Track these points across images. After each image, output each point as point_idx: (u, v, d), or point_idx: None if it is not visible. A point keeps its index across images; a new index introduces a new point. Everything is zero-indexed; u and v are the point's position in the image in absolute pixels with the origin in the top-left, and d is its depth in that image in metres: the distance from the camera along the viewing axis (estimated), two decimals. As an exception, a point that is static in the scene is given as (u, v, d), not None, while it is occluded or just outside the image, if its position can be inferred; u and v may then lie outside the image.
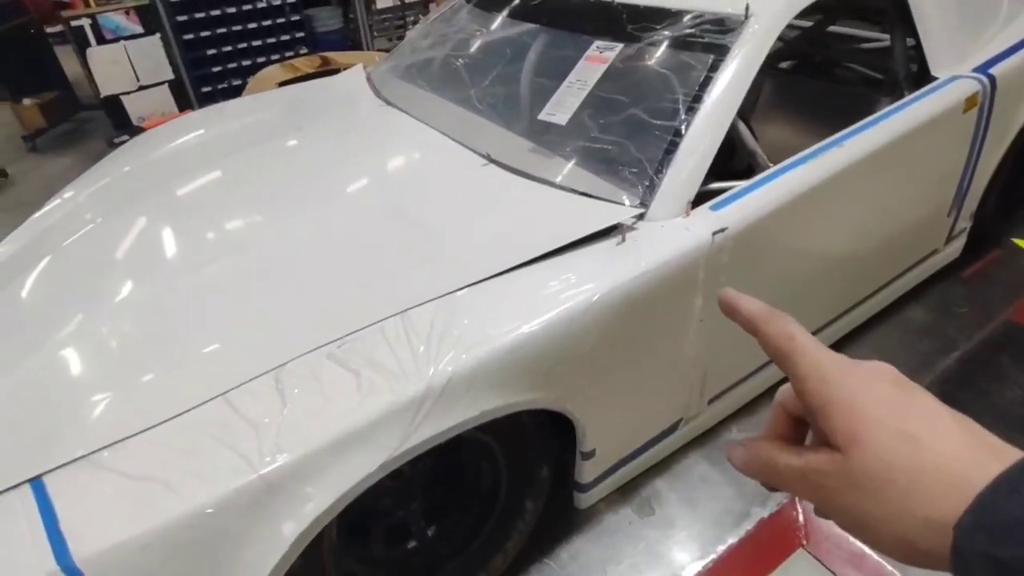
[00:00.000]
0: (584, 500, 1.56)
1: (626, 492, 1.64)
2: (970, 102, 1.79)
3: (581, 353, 1.23)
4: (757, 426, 1.81)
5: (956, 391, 1.84)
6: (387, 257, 1.39)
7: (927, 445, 0.31)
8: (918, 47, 1.87)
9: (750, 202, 1.44)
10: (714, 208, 1.42)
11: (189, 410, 1.08)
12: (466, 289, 1.23)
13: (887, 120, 1.67)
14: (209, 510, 0.95)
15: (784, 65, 2.76)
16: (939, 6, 1.85)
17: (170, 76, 4.42)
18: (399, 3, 4.89)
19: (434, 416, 1.07)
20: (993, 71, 1.85)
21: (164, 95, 4.45)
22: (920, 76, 1.87)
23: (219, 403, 1.11)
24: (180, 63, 4.44)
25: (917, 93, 1.77)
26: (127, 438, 1.05)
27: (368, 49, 4.90)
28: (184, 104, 4.52)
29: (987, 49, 1.93)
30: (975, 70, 1.85)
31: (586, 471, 1.49)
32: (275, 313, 1.29)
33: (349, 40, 5.11)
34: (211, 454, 1.02)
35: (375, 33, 4.91)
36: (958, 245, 2.21)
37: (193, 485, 0.97)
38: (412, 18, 4.94)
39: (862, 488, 0.32)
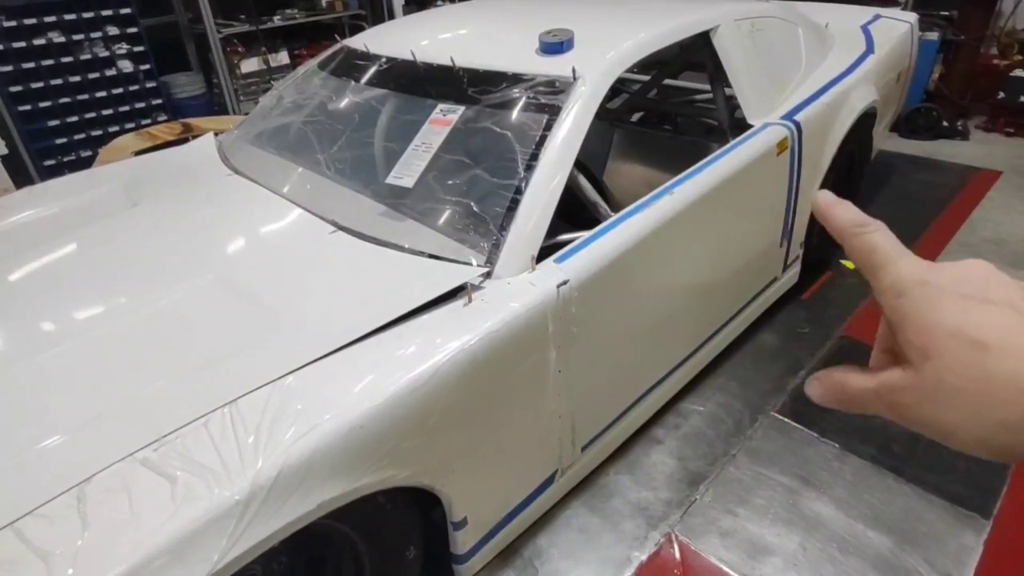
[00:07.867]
0: (464, 572, 1.49)
1: (507, 555, 1.59)
2: (781, 146, 1.99)
3: (430, 423, 1.18)
4: (631, 468, 1.84)
5: (804, 408, 1.98)
6: (219, 340, 1.28)
7: (997, 352, 0.31)
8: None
9: (592, 252, 1.48)
10: (558, 261, 1.45)
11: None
12: (303, 369, 1.16)
13: (712, 165, 1.82)
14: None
15: (634, 118, 2.97)
16: (747, 61, 2.07)
17: (3, 151, 4.03)
18: (265, 67, 4.80)
19: (263, 516, 0.97)
20: (798, 118, 2.08)
21: (-4, 170, 4.05)
22: (743, 123, 2.07)
23: (5, 535, 0.95)
24: (16, 136, 4.07)
25: (736, 140, 1.94)
26: None
27: (235, 114, 4.74)
28: (23, 179, 4.13)
29: (792, 99, 2.18)
30: (783, 117, 2.07)
31: (460, 541, 1.43)
32: (87, 415, 1.15)
33: (215, 105, 4.92)
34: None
35: (241, 97, 4.77)
36: (795, 271, 2.43)
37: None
38: (279, 81, 4.86)
39: (935, 400, 0.33)
